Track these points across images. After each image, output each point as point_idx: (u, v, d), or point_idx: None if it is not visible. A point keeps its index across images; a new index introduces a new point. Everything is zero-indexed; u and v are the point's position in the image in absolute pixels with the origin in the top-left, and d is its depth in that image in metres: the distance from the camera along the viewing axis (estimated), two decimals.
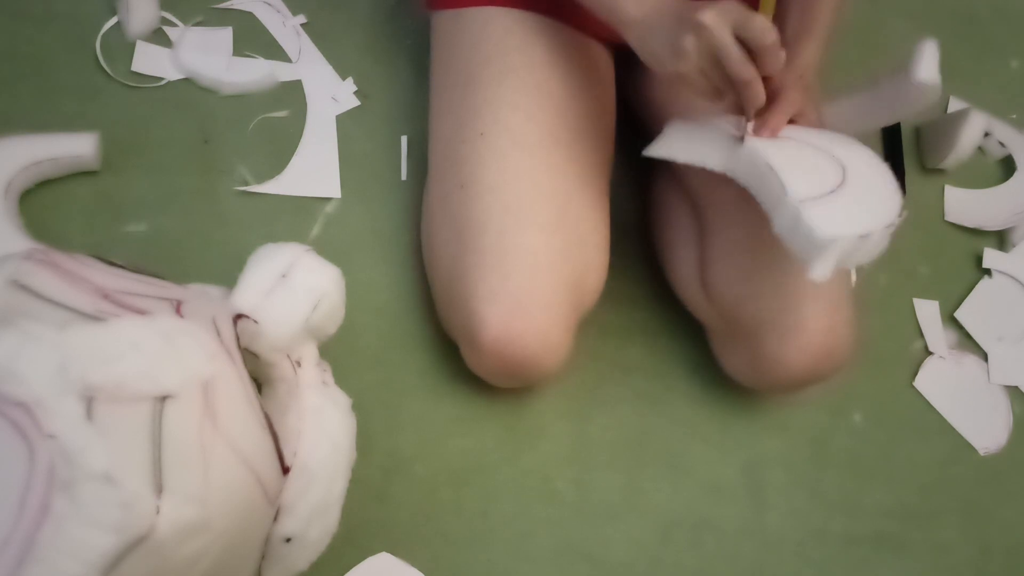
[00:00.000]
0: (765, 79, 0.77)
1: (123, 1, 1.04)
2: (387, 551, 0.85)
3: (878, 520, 0.97)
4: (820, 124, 0.87)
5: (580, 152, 0.89)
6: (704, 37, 0.73)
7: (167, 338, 0.58)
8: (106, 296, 0.61)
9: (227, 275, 0.72)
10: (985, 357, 1.08)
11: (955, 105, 1.27)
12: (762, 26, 0.73)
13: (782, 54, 0.75)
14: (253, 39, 1.09)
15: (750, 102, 0.77)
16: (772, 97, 0.81)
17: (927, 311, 1.10)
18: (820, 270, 0.74)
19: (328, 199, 1.01)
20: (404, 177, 1.04)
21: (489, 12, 0.93)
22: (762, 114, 0.81)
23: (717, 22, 0.73)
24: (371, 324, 0.95)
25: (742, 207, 0.87)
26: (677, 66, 0.76)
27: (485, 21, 0.93)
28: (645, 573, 0.90)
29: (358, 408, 0.74)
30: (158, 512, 0.53)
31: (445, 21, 0.97)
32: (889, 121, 1.05)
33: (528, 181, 0.85)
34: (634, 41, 0.80)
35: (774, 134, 0.83)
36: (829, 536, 0.95)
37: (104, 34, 1.05)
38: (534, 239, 0.83)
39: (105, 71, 1.03)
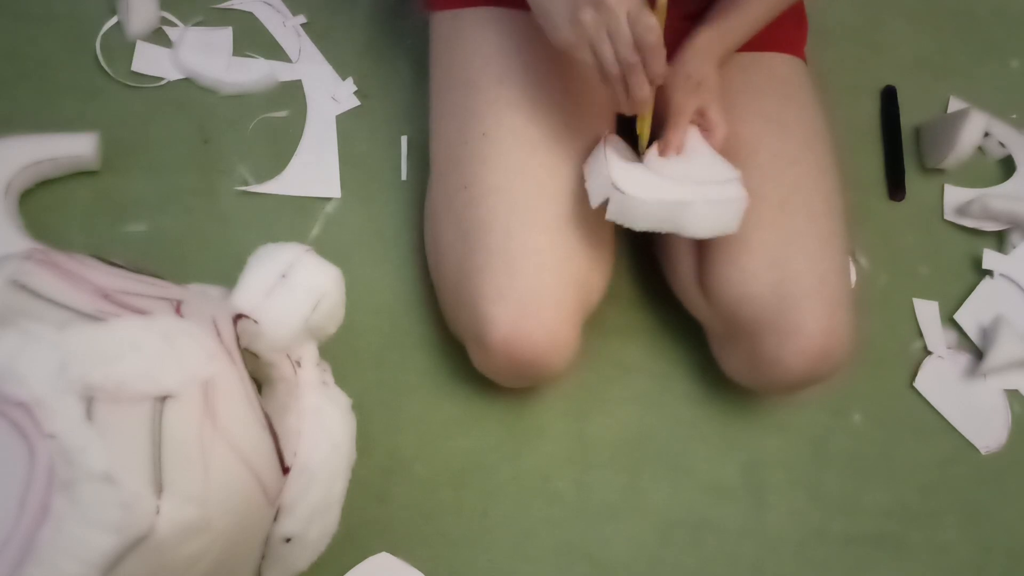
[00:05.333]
0: (657, 94, 0.81)
1: (123, 1, 1.04)
2: (387, 551, 0.85)
3: (878, 520, 0.97)
4: (724, 118, 0.90)
5: (582, 151, 0.89)
6: (602, 13, 0.75)
7: (167, 338, 0.58)
8: (106, 296, 0.61)
9: (227, 275, 0.72)
10: (984, 358, 1.08)
11: (955, 105, 1.27)
12: (648, 24, 0.75)
13: (662, 59, 0.78)
14: (253, 39, 1.09)
15: (633, 90, 0.79)
16: (665, 111, 0.87)
17: (927, 311, 1.10)
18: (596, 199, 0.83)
19: (328, 199, 1.01)
20: (404, 177, 1.04)
21: (489, 13, 0.93)
22: (663, 135, 0.87)
23: (618, 3, 0.75)
24: (371, 324, 0.95)
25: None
26: (569, 36, 0.78)
27: (485, 22, 0.93)
28: (645, 573, 0.90)
29: (358, 408, 0.74)
30: (158, 512, 0.53)
31: (444, 22, 0.97)
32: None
33: (532, 181, 0.86)
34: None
35: (679, 151, 0.87)
36: (829, 536, 0.95)
37: (104, 34, 1.05)
38: (540, 239, 0.84)
39: (105, 71, 1.03)
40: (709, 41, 0.90)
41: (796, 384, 0.89)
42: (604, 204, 0.83)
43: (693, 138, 0.88)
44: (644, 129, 0.87)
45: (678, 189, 0.83)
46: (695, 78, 0.88)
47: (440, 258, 0.90)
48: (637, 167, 0.85)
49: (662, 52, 0.77)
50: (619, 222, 0.83)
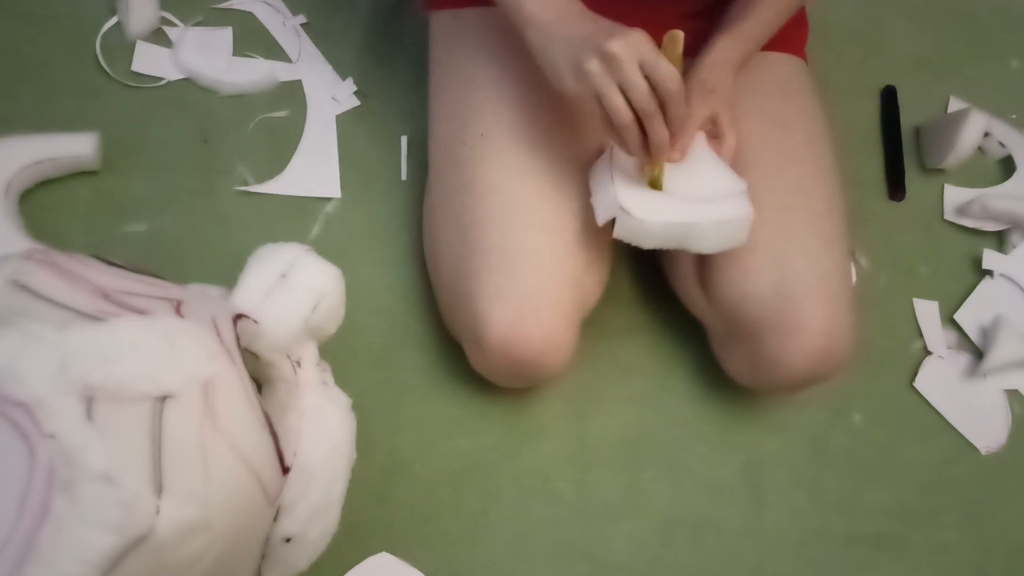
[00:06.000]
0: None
1: (123, 1, 1.04)
2: (387, 551, 0.85)
3: (878, 520, 0.97)
4: (734, 125, 0.89)
5: (581, 152, 0.89)
6: (610, 66, 0.74)
7: (167, 338, 0.58)
8: (106, 296, 0.61)
9: (227, 275, 0.72)
10: (984, 358, 1.08)
11: (955, 105, 1.27)
12: (669, 72, 0.73)
13: (683, 104, 0.75)
14: (253, 39, 1.09)
15: (652, 136, 0.77)
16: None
17: (927, 311, 1.10)
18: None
19: (328, 199, 1.01)
20: (404, 177, 1.04)
21: (488, 12, 0.93)
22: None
23: (627, 55, 0.73)
24: (371, 324, 0.95)
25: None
26: (574, 87, 0.77)
27: (484, 21, 0.93)
28: (645, 573, 0.90)
29: (358, 408, 0.74)
30: (158, 512, 0.53)
31: (444, 22, 0.97)
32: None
33: (530, 181, 0.86)
34: (534, 44, 0.80)
35: (683, 155, 0.84)
36: (829, 536, 0.95)
37: (104, 34, 1.05)
38: (538, 238, 0.84)
39: (105, 71, 1.03)
40: (727, 50, 0.89)
41: (797, 384, 0.89)
42: (610, 222, 0.82)
43: (699, 145, 0.87)
44: (660, 174, 0.83)
45: (685, 209, 0.82)
46: (710, 84, 0.88)
47: (438, 257, 0.90)
48: (643, 186, 0.83)
49: (683, 98, 0.75)
50: (626, 240, 0.82)
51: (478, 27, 0.93)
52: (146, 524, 0.52)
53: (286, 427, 0.67)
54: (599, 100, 0.76)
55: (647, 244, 0.82)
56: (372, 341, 0.95)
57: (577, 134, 0.90)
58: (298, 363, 0.72)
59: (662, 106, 0.75)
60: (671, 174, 0.83)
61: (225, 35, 1.07)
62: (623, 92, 0.75)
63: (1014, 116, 1.28)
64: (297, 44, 1.10)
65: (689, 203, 0.83)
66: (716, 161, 0.87)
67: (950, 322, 1.11)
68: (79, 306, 0.59)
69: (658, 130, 0.77)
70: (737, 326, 0.90)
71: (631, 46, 0.73)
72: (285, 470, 0.66)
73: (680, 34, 0.77)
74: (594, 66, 0.74)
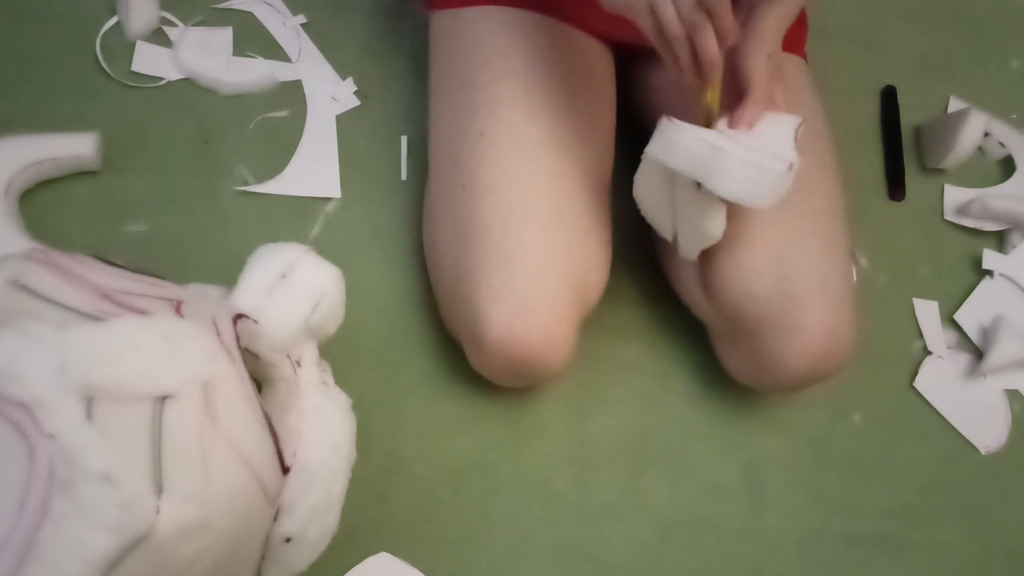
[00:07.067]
0: (735, 68, 0.75)
1: (123, 1, 1.04)
2: (387, 551, 0.85)
3: (878, 520, 0.97)
4: (789, 102, 0.85)
5: (581, 151, 0.89)
6: None
7: (167, 338, 0.58)
8: (106, 296, 0.61)
9: (227, 275, 0.72)
10: (984, 358, 1.08)
11: (955, 105, 1.27)
12: None
13: (731, 14, 0.72)
14: (253, 39, 1.09)
15: (701, 51, 0.75)
16: (743, 88, 0.81)
17: (927, 311, 1.10)
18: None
19: (328, 199, 1.01)
20: (404, 177, 1.04)
21: (488, 11, 0.93)
22: (737, 108, 0.80)
23: None
24: (371, 324, 0.95)
25: (743, 207, 0.87)
26: None
27: (484, 21, 0.93)
28: (645, 573, 0.90)
29: (358, 408, 0.74)
30: (158, 512, 0.53)
31: (444, 21, 0.97)
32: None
33: (530, 180, 0.85)
34: None
35: (750, 127, 0.80)
36: (829, 536, 0.95)
37: (104, 34, 1.05)
38: (537, 238, 0.83)
39: (105, 71, 1.03)
40: (778, 20, 0.85)
41: (799, 383, 0.89)
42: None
43: (767, 119, 0.82)
44: (715, 100, 0.79)
45: (723, 139, 0.78)
46: (774, 59, 0.84)
47: (437, 257, 0.90)
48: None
49: (729, 8, 0.73)
50: (658, 158, 0.78)
51: (478, 27, 0.93)
52: (146, 524, 0.52)
53: (286, 427, 0.67)
54: (652, 10, 0.73)
55: (674, 162, 0.77)
56: (372, 341, 0.95)
57: (578, 133, 0.90)
58: (298, 363, 0.72)
59: (712, 15, 0.73)
60: (732, 133, 0.80)
61: (225, 35, 1.07)
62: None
63: (1014, 116, 1.28)
64: (297, 44, 1.10)
65: (731, 139, 0.79)
66: (780, 132, 0.82)
67: (950, 322, 1.11)
68: (79, 306, 0.59)
69: (709, 43, 0.74)
70: (738, 325, 0.90)
71: None
72: (285, 470, 0.66)
73: None
74: None
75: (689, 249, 0.88)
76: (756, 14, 0.84)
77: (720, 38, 0.75)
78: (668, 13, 0.73)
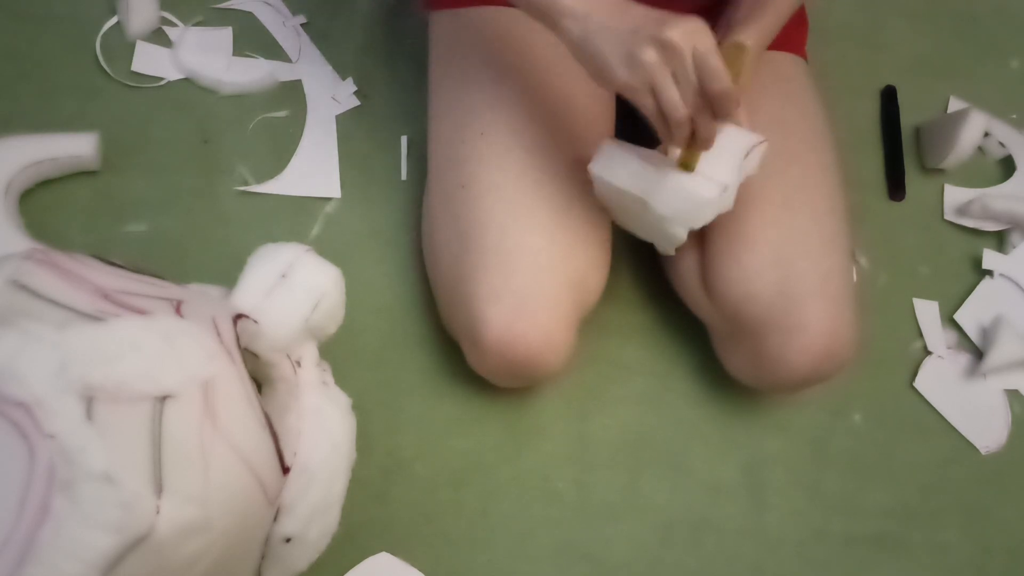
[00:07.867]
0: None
1: (123, 1, 1.04)
2: (387, 551, 0.85)
3: (878, 520, 0.97)
4: (785, 104, 0.86)
5: (581, 151, 0.89)
6: (668, 54, 0.70)
7: (167, 338, 0.58)
8: (106, 296, 0.61)
9: (227, 275, 0.72)
10: (984, 358, 1.08)
11: (955, 105, 1.27)
12: (716, 69, 0.70)
13: (734, 102, 0.72)
14: (253, 39, 1.09)
15: (699, 132, 0.75)
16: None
17: (927, 311, 1.10)
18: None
19: (328, 199, 1.01)
20: (404, 177, 1.04)
21: (488, 12, 0.93)
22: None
23: (686, 44, 0.70)
24: (371, 324, 0.95)
25: (744, 206, 0.87)
26: (628, 79, 0.72)
27: (484, 21, 0.93)
28: (645, 573, 0.90)
29: (358, 408, 0.74)
30: (158, 512, 0.53)
31: (444, 21, 0.97)
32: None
33: (529, 180, 0.85)
34: (573, 36, 0.75)
35: (708, 146, 0.79)
36: (829, 536, 0.95)
37: (104, 34, 1.05)
38: (536, 238, 0.83)
39: (105, 71, 1.03)
40: (749, 41, 0.84)
41: (800, 383, 0.89)
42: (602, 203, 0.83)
43: (728, 137, 0.82)
44: (695, 159, 0.79)
45: (664, 165, 0.80)
46: (754, 58, 0.83)
47: (436, 257, 0.90)
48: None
49: (731, 95, 0.71)
50: (603, 176, 0.82)
51: (478, 27, 0.93)
52: (146, 524, 0.52)
53: (286, 427, 0.67)
54: (654, 93, 0.72)
55: (618, 180, 0.81)
56: (372, 341, 0.95)
57: (576, 134, 0.90)
58: (298, 363, 0.72)
59: (712, 103, 0.72)
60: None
61: (225, 35, 1.07)
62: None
63: (1014, 116, 1.28)
64: (297, 44, 1.10)
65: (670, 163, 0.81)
66: (730, 151, 0.82)
67: (950, 322, 1.11)
68: (79, 306, 0.59)
69: (708, 126, 0.74)
70: (739, 325, 0.90)
71: (690, 36, 0.70)
72: (285, 470, 0.66)
73: (748, 46, 0.74)
74: (651, 56, 0.70)
75: (663, 248, 0.89)
76: (733, 32, 0.84)
77: (719, 119, 0.75)
78: (674, 97, 0.72)
